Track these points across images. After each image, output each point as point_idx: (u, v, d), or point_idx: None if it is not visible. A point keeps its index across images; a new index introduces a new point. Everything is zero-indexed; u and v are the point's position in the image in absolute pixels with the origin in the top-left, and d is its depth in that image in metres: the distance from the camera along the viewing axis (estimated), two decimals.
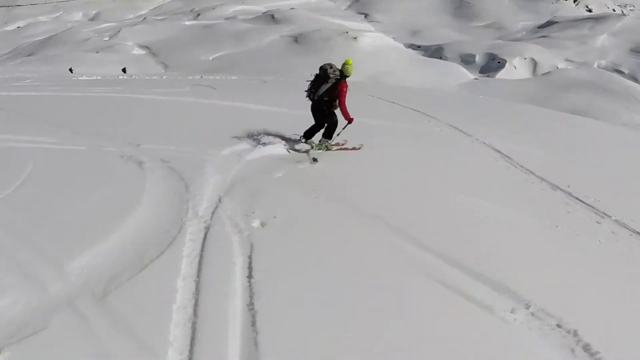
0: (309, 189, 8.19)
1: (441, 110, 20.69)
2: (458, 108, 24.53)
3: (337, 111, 10.98)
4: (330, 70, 10.46)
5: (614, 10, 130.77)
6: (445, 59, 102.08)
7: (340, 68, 10.63)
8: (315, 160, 10.61)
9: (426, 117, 18.33)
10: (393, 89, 37.81)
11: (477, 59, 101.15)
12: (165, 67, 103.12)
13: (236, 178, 8.38)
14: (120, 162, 9.00)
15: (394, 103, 22.19)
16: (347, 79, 10.67)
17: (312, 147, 11.08)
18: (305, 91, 10.88)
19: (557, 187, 11.33)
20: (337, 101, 10.62)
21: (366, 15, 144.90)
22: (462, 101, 31.66)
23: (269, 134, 11.07)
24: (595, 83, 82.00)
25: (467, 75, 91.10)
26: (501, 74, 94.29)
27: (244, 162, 9.19)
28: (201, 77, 29.41)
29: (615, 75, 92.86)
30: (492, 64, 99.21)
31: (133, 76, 27.23)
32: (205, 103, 15.35)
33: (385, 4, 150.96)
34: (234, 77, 30.80)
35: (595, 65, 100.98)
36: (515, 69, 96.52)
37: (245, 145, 10.04)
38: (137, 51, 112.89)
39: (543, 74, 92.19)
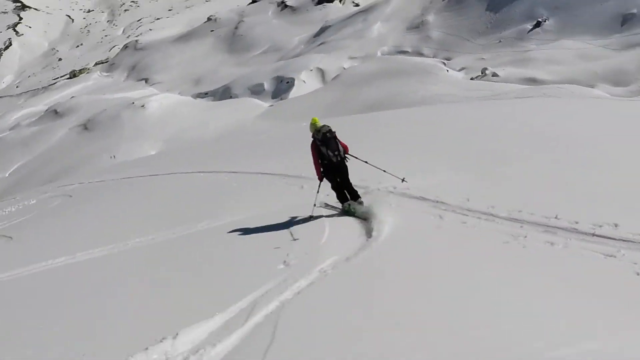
0: None
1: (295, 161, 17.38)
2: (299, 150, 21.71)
3: None
4: (331, 129, 10.78)
5: None
6: (235, 96, 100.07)
7: (323, 125, 10.92)
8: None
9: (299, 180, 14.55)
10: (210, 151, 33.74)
11: (266, 86, 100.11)
12: None
13: None
14: None
15: (235, 172, 18.23)
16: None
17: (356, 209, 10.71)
18: (331, 157, 10.67)
19: (546, 227, 8.19)
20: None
21: (147, 80, 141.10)
22: (288, 139, 28.63)
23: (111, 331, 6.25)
24: (384, 70, 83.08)
25: (262, 105, 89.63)
26: (293, 93, 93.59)
27: None
28: None
29: (401, 56, 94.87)
30: (282, 86, 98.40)
31: None
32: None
33: (161, 63, 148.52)
34: (32, 201, 25.13)
35: (379, 53, 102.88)
36: (305, 83, 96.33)
37: None
38: None
39: (333, 79, 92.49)
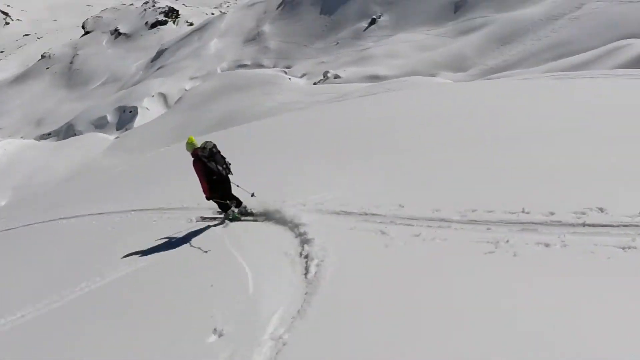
0: None
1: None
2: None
3: None
4: (215, 144, 10.85)
5: (212, 14, 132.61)
6: (79, 132, 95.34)
7: (207, 141, 10.92)
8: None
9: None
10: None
11: (109, 118, 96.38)
12: None
13: None
14: None
15: (102, 214, 15.72)
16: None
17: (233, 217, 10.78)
18: (221, 171, 10.64)
19: (520, 224, 6.77)
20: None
21: None
22: (146, 170, 26.28)
23: None
24: (227, 86, 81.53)
25: (107, 138, 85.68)
26: (138, 121, 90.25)
27: None
28: None
29: (241, 70, 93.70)
30: (126, 116, 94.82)
31: None
32: None
33: None
34: None
35: (219, 70, 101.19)
36: (149, 110, 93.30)
37: None
38: None
39: (176, 102, 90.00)
